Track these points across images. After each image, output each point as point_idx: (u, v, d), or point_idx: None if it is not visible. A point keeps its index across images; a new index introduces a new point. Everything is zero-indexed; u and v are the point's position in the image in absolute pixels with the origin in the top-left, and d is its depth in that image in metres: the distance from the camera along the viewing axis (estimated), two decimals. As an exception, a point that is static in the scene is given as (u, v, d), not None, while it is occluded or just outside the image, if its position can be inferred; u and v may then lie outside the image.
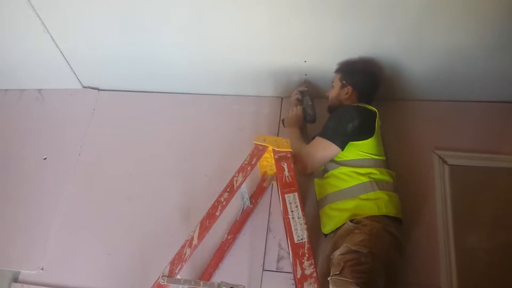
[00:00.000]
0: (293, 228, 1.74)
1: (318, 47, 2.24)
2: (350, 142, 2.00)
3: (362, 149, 2.00)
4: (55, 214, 2.42)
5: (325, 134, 2.03)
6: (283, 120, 2.42)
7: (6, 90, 2.87)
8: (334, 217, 1.98)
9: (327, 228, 2.02)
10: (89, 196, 2.45)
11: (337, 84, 2.23)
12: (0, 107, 2.82)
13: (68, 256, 2.31)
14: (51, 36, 2.39)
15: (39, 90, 2.84)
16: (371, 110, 2.06)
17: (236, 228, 2.19)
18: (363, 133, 2.00)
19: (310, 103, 2.33)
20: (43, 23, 2.30)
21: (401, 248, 1.90)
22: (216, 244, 2.18)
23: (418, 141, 2.37)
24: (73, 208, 2.43)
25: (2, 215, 2.46)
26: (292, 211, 1.79)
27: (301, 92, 2.39)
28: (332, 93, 2.25)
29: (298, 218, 1.77)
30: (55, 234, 2.37)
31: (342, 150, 2.00)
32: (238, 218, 2.21)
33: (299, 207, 1.80)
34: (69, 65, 2.60)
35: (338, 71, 2.28)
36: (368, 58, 2.25)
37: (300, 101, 2.39)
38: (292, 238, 1.72)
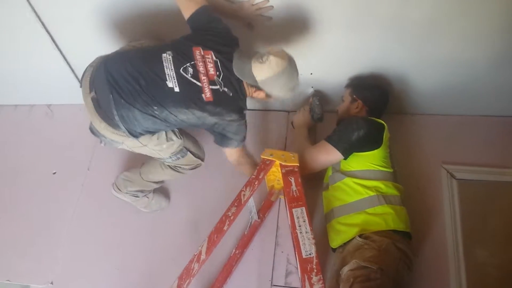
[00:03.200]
0: (301, 243, 1.74)
1: (324, 60, 2.26)
2: (356, 152, 2.01)
3: (369, 160, 2.00)
4: (64, 228, 2.44)
5: (330, 139, 2.06)
6: (292, 122, 2.46)
7: (16, 105, 2.91)
8: (342, 232, 1.97)
9: (335, 242, 2.01)
10: (98, 210, 2.46)
11: (347, 99, 2.24)
12: (10, 122, 2.87)
13: (77, 270, 2.32)
14: (60, 53, 2.42)
15: (49, 105, 2.88)
16: (379, 122, 2.08)
17: (244, 243, 2.19)
18: (368, 144, 2.01)
19: (318, 103, 2.37)
20: (53, 40, 2.34)
21: (410, 263, 1.88)
22: (224, 258, 2.18)
23: (426, 155, 2.37)
24: (82, 222, 2.45)
25: (12, 229, 2.48)
26: (300, 226, 1.79)
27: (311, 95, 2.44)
28: (342, 107, 2.26)
29: (306, 232, 1.76)
30: (65, 248, 2.38)
31: (345, 159, 2.01)
32: (246, 233, 2.21)
33: (306, 221, 1.80)
34: (79, 81, 2.62)
35: (348, 85, 2.31)
36: (378, 73, 2.26)
37: (311, 94, 2.44)
38: (300, 253, 1.71)
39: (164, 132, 2.01)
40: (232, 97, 1.88)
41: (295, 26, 2.08)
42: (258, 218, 2.23)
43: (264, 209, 2.27)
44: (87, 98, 1.89)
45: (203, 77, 1.84)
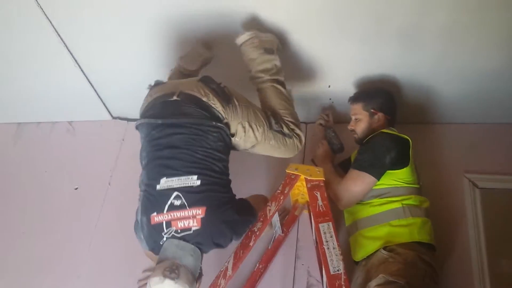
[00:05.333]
0: (328, 259, 1.73)
1: (342, 72, 2.26)
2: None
3: (397, 177, 1.97)
4: (86, 244, 2.45)
5: (362, 167, 1.98)
6: (312, 160, 2.38)
7: (39, 123, 2.95)
8: (366, 245, 1.95)
9: (358, 255, 2.00)
10: (119, 226, 2.45)
11: (364, 115, 2.16)
12: (32, 139, 2.90)
13: (100, 286, 2.33)
14: (81, 70, 2.46)
15: (70, 122, 2.91)
16: (405, 139, 2.03)
17: (268, 257, 2.18)
18: (399, 163, 1.97)
19: (333, 134, 2.32)
20: (73, 57, 2.37)
21: (436, 276, 1.86)
22: (247, 273, 2.16)
23: (447, 165, 2.35)
24: (104, 238, 2.47)
25: (34, 244, 2.50)
26: (327, 241, 1.78)
27: (321, 125, 2.40)
28: (363, 126, 2.16)
29: (334, 248, 1.76)
30: (87, 263, 2.39)
31: (378, 180, 1.97)
32: (269, 247, 2.20)
33: (334, 237, 1.79)
34: (99, 97, 2.66)
35: (356, 100, 2.21)
36: (397, 83, 2.26)
37: (323, 126, 2.40)
38: (327, 269, 1.71)
39: None
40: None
41: (313, 39, 2.10)
42: (282, 232, 2.22)
43: (288, 223, 2.26)
44: None
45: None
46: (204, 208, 1.57)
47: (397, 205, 1.94)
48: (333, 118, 2.44)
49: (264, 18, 2.02)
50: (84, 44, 2.31)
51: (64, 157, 2.77)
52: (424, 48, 2.05)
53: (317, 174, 1.99)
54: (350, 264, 2.04)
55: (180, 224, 1.57)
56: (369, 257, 1.93)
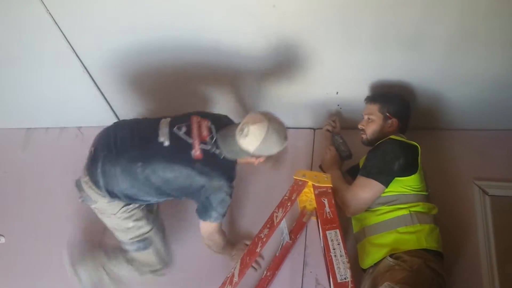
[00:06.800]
0: (335, 267, 1.72)
1: (350, 79, 2.26)
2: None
3: (405, 185, 1.96)
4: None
5: (370, 174, 1.97)
6: (320, 166, 2.38)
7: (47, 128, 2.96)
8: (373, 252, 1.94)
9: (365, 263, 1.98)
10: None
11: (379, 116, 2.14)
12: (41, 145, 2.91)
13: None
14: (90, 75, 2.47)
15: (79, 128, 2.92)
16: (413, 146, 2.01)
17: (276, 264, 2.17)
18: (407, 170, 1.96)
19: (341, 141, 2.32)
20: (82, 62, 2.38)
21: (444, 283, 1.84)
22: (255, 281, 2.16)
23: (457, 171, 2.34)
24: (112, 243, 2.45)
25: (42, 249, 2.50)
26: (334, 249, 1.77)
27: (328, 131, 2.40)
28: (374, 127, 2.15)
29: (341, 256, 1.75)
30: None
31: (386, 188, 1.96)
32: (277, 254, 2.19)
33: (341, 244, 1.78)
34: (108, 103, 2.67)
35: (373, 100, 2.20)
36: (405, 90, 2.24)
37: (330, 132, 2.39)
38: (335, 277, 1.70)
39: (138, 210, 2.00)
40: (223, 160, 1.88)
41: (320, 46, 2.10)
42: (290, 239, 2.21)
43: (296, 230, 2.25)
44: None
45: (195, 136, 1.86)
46: None
47: (405, 212, 1.92)
48: (340, 124, 2.44)
49: (273, 26, 2.03)
50: (94, 52, 2.33)
51: (72, 163, 2.75)
52: (432, 55, 2.04)
53: (325, 181, 1.98)
54: (359, 271, 2.03)
55: None
56: (376, 264, 1.91)
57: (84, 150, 2.77)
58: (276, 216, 1.90)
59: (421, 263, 1.80)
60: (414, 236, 1.87)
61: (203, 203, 1.91)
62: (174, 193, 1.95)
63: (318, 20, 1.96)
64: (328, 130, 2.42)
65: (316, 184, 1.98)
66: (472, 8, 1.79)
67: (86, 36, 2.23)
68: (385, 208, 1.95)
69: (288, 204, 1.93)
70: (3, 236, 2.58)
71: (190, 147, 1.85)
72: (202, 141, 1.86)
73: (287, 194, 1.97)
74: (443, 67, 2.09)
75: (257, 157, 1.88)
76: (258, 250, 1.82)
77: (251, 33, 2.08)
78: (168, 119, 1.95)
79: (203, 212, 1.93)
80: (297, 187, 1.99)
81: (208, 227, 2.00)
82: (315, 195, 1.97)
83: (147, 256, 2.07)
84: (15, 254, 2.51)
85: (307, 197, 2.17)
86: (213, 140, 1.87)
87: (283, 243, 2.20)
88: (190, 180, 1.85)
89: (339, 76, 2.26)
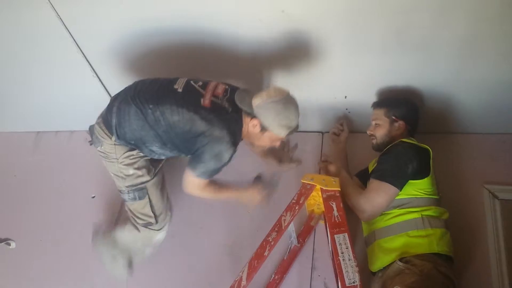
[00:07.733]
0: (344, 271, 1.72)
1: (359, 83, 2.26)
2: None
3: (418, 188, 1.94)
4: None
5: (384, 177, 1.94)
6: (320, 169, 2.37)
7: (57, 131, 2.99)
8: (382, 255, 1.93)
9: (375, 266, 1.97)
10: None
11: (385, 121, 2.16)
12: (51, 148, 2.93)
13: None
14: (99, 80, 2.49)
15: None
16: (425, 149, 2.01)
17: (284, 268, 2.17)
18: (420, 173, 1.95)
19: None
20: (92, 67, 2.40)
21: None
22: (263, 284, 2.15)
23: (467, 175, 2.33)
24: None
25: (51, 252, 2.52)
26: (342, 253, 1.76)
27: (334, 134, 2.43)
28: (382, 131, 2.16)
29: (349, 260, 1.74)
30: (103, 272, 2.36)
31: (400, 191, 1.94)
32: (285, 258, 2.19)
33: (349, 248, 1.77)
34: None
35: (379, 105, 2.22)
36: (415, 94, 2.24)
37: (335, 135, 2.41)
38: (343, 281, 1.69)
39: (141, 160, 2.02)
40: (230, 115, 1.89)
41: (329, 51, 2.10)
42: (298, 243, 2.21)
43: (303, 234, 2.24)
44: None
45: (208, 90, 1.91)
46: None
47: (416, 215, 1.91)
48: (349, 127, 2.44)
49: (283, 30, 2.04)
50: (103, 54, 2.34)
51: (81, 166, 2.80)
52: (443, 59, 2.03)
53: (333, 184, 1.98)
54: (367, 275, 2.02)
55: None
56: (385, 268, 1.90)
57: (93, 153, 2.82)
58: (284, 220, 1.90)
59: (431, 267, 1.78)
60: (425, 240, 1.86)
61: (196, 154, 1.91)
62: (175, 140, 1.94)
63: (327, 25, 1.96)
64: (334, 133, 2.43)
65: (324, 188, 1.98)
66: (482, 13, 1.79)
67: (96, 41, 2.25)
68: (397, 211, 1.94)
69: (296, 208, 1.93)
70: (13, 241, 2.60)
71: (201, 95, 1.89)
72: (215, 96, 1.90)
73: (295, 198, 1.97)
74: (453, 71, 2.09)
75: (254, 117, 1.86)
76: (266, 253, 1.82)
77: (260, 39, 2.09)
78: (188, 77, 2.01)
79: (192, 161, 1.93)
80: (305, 191, 1.99)
81: (190, 181, 1.96)
82: (323, 198, 1.96)
83: (142, 206, 2.09)
84: (25, 258, 2.52)
85: (315, 201, 2.16)
86: (225, 98, 1.91)
87: (291, 246, 2.20)
88: (190, 124, 1.86)
89: (348, 80, 2.26)
